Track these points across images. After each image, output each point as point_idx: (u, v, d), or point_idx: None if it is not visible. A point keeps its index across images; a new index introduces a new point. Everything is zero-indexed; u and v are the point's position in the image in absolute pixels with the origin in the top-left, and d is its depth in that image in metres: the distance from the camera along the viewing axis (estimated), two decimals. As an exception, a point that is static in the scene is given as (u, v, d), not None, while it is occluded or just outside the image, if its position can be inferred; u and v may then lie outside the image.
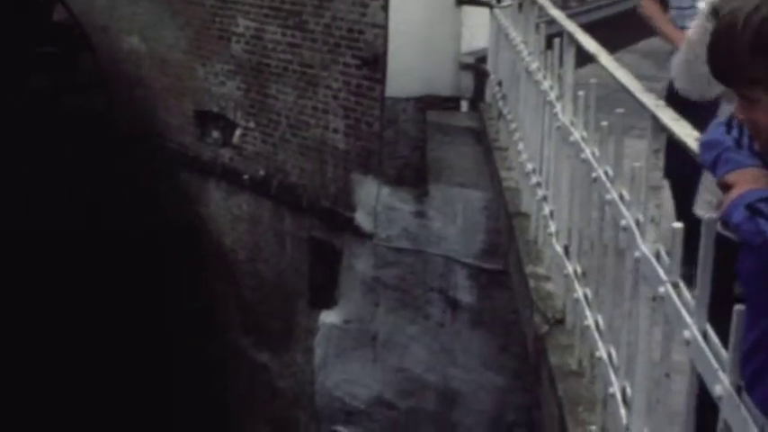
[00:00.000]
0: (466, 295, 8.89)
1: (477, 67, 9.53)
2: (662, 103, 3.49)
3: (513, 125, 6.99)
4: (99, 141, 13.04)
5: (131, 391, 12.50)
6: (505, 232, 6.71)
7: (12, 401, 11.87)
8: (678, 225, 2.86)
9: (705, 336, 2.56)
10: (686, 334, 2.63)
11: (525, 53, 6.46)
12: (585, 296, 4.21)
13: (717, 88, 3.39)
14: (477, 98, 9.35)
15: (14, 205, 12.31)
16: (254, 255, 11.23)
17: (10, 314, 12.06)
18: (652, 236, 3.22)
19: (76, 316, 12.74)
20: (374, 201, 9.59)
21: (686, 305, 2.73)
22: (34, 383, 12.35)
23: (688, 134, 3.06)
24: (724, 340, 2.42)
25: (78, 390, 12.41)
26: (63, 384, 12.45)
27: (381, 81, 9.52)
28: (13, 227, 12.33)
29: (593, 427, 3.83)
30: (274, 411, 11.24)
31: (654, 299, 3.08)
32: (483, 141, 8.59)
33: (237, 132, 11.25)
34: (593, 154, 4.20)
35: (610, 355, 3.71)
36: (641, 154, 3.43)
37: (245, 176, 11.15)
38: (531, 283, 5.18)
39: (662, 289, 2.94)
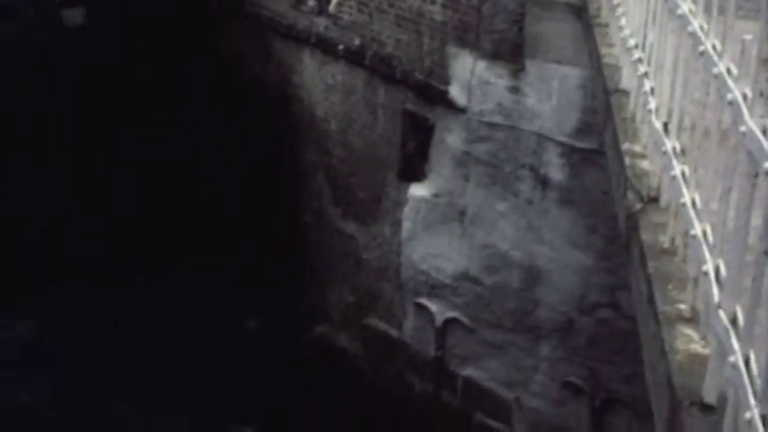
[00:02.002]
0: (557, 173, 8.81)
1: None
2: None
3: (616, 0, 6.79)
4: (195, 11, 13.07)
5: (225, 252, 12.86)
6: (602, 109, 6.58)
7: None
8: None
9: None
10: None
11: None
12: (683, 173, 4.13)
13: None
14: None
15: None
16: (345, 125, 11.25)
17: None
18: (759, 111, 3.11)
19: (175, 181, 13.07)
20: (469, 75, 9.48)
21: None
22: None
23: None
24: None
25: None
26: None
27: (481, -48, 9.31)
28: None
29: (683, 306, 3.79)
30: (359, 282, 11.41)
31: (756, 175, 3.00)
32: (582, 17, 8.37)
33: (333, 1, 11.15)
34: (700, 27, 4.06)
35: (705, 233, 3.64)
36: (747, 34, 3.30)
37: (340, 46, 11.09)
38: (627, 160, 5.09)
39: (767, 164, 2.86)
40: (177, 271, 13.09)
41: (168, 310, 12.73)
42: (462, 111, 9.56)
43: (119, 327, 12.52)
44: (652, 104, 5.00)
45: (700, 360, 3.40)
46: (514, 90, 9.08)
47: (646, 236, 4.34)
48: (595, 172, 8.51)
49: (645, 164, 4.97)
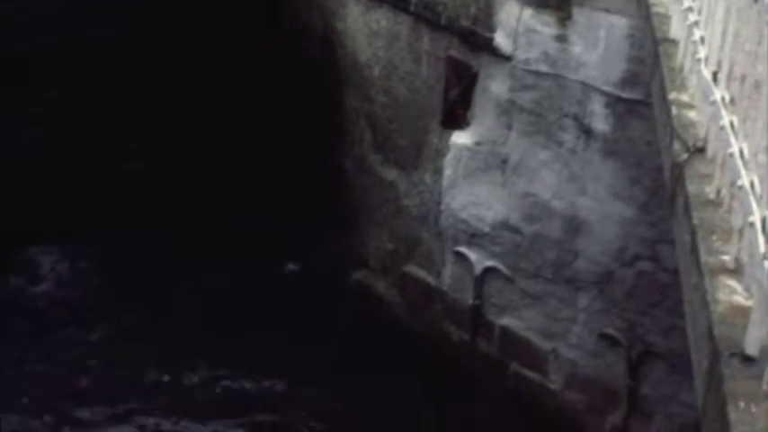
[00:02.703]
0: (601, 124, 8.73)
1: None
2: None
3: (668, -53, 6.68)
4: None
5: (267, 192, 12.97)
6: (650, 59, 6.49)
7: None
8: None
9: None
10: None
11: None
12: (731, 124, 4.08)
13: None
14: None
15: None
16: (389, 72, 11.19)
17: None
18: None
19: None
20: (515, 22, 9.38)
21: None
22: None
23: None
24: None
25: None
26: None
27: None
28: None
29: (727, 257, 3.76)
30: (399, 229, 11.42)
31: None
32: (632, -35, 8.25)
33: (379, -55, 11.05)
34: (754, -25, 3.98)
35: (752, 184, 3.60)
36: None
37: (385, -9, 11.01)
38: (674, 110, 5.03)
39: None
40: (221, 214, 13.22)
41: (213, 251, 12.88)
42: (507, 59, 9.48)
43: (166, 268, 12.70)
44: (701, 54, 4.93)
45: (742, 312, 3.38)
46: (561, 38, 8.98)
47: (691, 186, 4.30)
48: (640, 123, 8.43)
49: (692, 114, 4.92)
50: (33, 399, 10.69)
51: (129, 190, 13.21)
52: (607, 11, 8.64)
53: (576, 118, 8.94)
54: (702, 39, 5.02)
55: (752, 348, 3.16)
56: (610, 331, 9.40)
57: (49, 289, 12.63)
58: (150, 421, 10.65)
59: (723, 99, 4.31)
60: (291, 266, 12.89)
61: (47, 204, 12.68)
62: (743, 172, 3.74)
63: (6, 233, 12.38)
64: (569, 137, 9.05)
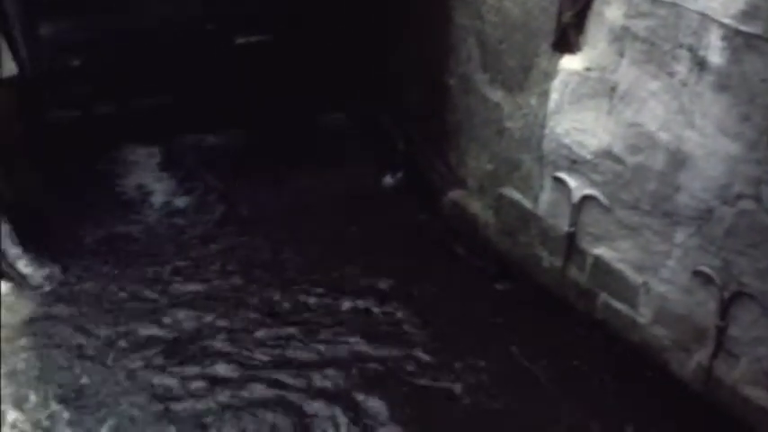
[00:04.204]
0: (716, 57, 8.53)
1: None
2: None
3: None
4: None
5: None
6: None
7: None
8: None
9: None
10: None
11: None
12: None
13: None
14: None
15: None
16: (502, -10, 11.07)
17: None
18: None
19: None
20: (636, -54, 9.18)
21: None
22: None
23: None
24: None
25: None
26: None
27: None
28: None
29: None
30: (499, 150, 11.39)
31: None
32: None
33: None
34: None
35: None
36: None
37: None
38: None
39: None
40: (333, 114, 13.36)
41: (308, 157, 13.11)
42: (625, -16, 9.29)
43: (257, 171, 12.99)
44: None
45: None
46: (682, -34, 8.77)
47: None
48: (757, 58, 8.22)
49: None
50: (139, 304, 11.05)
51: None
52: (733, -60, 8.39)
53: (690, 49, 8.75)
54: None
55: None
56: (704, 269, 9.29)
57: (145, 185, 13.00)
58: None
59: None
60: (389, 179, 13.01)
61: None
62: None
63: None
64: (682, 68, 8.87)
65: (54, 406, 9.62)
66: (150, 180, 12.97)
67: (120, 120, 12.92)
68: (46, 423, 9.38)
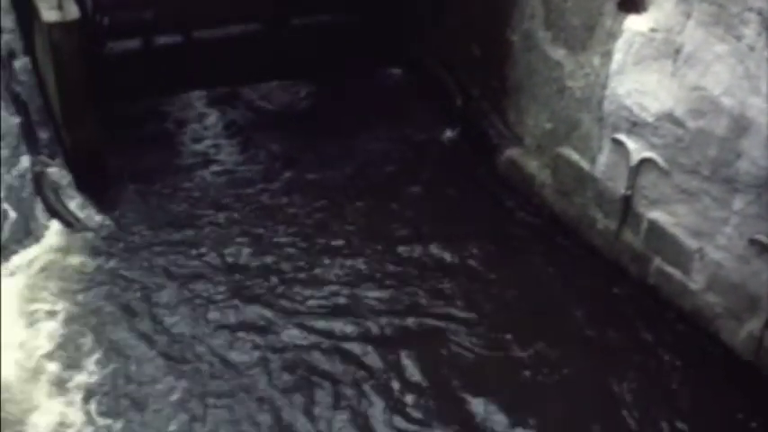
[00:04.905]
0: (786, 21, 8.36)
1: None
2: None
3: None
4: None
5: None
6: None
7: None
8: None
9: None
10: None
11: None
12: None
13: None
14: None
15: None
16: (568, -53, 10.92)
17: None
18: None
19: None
20: None
21: None
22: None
23: None
24: None
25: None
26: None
27: None
28: None
29: None
30: (559, 109, 11.28)
31: None
32: None
33: None
34: None
35: None
36: None
37: None
38: None
39: None
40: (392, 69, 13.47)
41: (378, 106, 13.13)
42: (696, -56, 9.12)
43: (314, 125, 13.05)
44: None
45: None
46: (754, -74, 8.58)
47: None
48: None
49: None
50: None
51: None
52: None
53: (760, 13, 8.57)
54: None
55: None
56: (761, 237, 9.17)
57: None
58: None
59: None
60: (449, 134, 12.99)
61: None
62: None
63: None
64: (750, 32, 8.70)
65: (105, 344, 9.80)
66: (210, 132, 12.96)
67: (183, 60, 12.78)
68: (92, 367, 9.51)
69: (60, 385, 9.29)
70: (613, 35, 10.20)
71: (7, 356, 9.37)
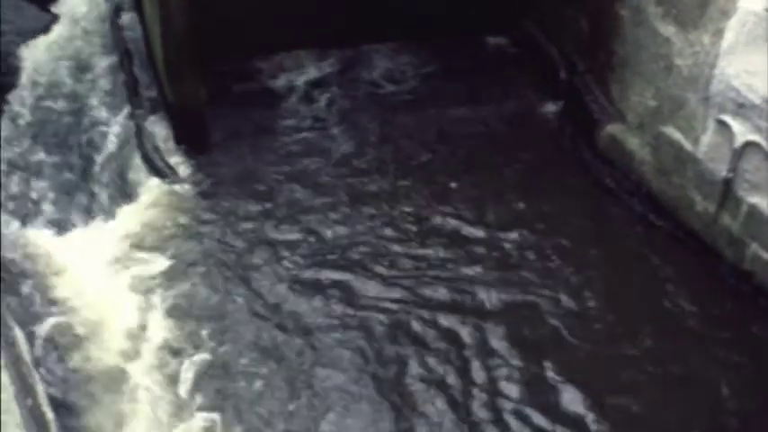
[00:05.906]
0: None
1: None
2: None
3: None
4: None
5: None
6: None
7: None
8: None
9: None
10: None
11: None
12: None
13: None
14: None
15: None
16: None
17: None
18: None
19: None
20: None
21: None
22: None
23: None
24: None
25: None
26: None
27: None
28: None
29: None
30: (665, 87, 11.08)
31: None
32: None
33: None
34: None
35: None
36: None
37: None
38: None
39: None
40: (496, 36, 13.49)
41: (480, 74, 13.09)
42: None
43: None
44: None
45: None
46: None
47: None
48: None
49: None
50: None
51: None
52: None
53: None
54: None
55: None
56: None
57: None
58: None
59: None
60: (551, 107, 12.88)
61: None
62: None
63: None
64: None
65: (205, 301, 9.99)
66: (314, 97, 12.96)
67: (293, 18, 12.78)
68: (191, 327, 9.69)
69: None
70: (726, 13, 9.95)
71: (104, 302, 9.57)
